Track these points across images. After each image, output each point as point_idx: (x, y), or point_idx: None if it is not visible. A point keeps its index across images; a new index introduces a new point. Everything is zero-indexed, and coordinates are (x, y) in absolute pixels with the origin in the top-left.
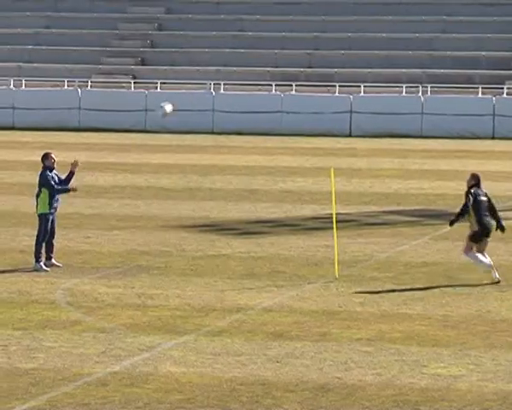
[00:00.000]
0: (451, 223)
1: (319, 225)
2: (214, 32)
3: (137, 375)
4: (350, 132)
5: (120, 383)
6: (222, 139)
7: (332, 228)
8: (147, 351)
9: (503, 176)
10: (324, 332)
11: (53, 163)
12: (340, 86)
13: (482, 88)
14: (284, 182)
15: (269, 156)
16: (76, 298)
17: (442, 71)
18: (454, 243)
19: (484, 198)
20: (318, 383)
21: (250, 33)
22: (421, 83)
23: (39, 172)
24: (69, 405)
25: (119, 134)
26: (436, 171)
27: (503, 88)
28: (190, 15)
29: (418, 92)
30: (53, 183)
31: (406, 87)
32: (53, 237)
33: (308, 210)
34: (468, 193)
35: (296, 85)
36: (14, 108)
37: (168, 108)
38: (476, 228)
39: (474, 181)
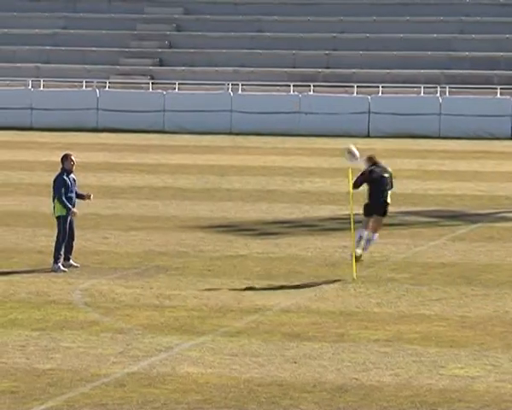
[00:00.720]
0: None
1: (337, 225)
2: (232, 33)
3: (155, 375)
4: (368, 133)
5: (138, 383)
6: (240, 140)
7: (350, 229)
8: (164, 351)
9: None
10: (342, 333)
11: (72, 166)
12: (358, 87)
13: (500, 89)
14: (302, 183)
15: (286, 157)
16: (94, 298)
17: (460, 71)
18: (471, 244)
19: (380, 173)
20: (336, 384)
21: (268, 34)
22: (439, 83)
23: (56, 175)
24: (87, 405)
25: (136, 135)
26: (454, 172)
27: None
28: (208, 16)
29: (436, 93)
30: (63, 190)
31: (424, 88)
32: (72, 239)
33: (326, 211)
34: (365, 170)
35: (314, 86)
36: (32, 108)
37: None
38: (369, 201)
39: (372, 161)
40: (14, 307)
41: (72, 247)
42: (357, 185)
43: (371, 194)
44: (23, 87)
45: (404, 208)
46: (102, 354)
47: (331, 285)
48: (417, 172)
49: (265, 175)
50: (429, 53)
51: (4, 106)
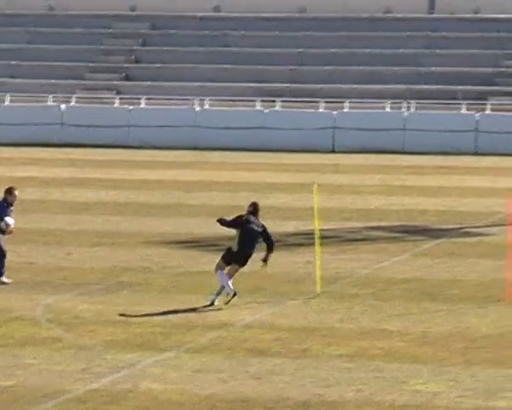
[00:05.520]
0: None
1: (301, 241)
2: (199, 48)
3: (117, 392)
4: (333, 148)
5: (100, 400)
6: (205, 155)
7: (314, 244)
8: (127, 368)
9: (485, 192)
10: (305, 349)
11: (14, 200)
12: (324, 102)
13: (466, 104)
14: (267, 198)
15: (252, 172)
16: (56, 315)
17: (426, 87)
18: (434, 260)
19: (254, 226)
20: (299, 400)
21: (234, 49)
22: (405, 99)
23: None
24: None
25: (101, 150)
26: (418, 187)
27: (486, 104)
28: (174, 31)
29: (402, 108)
30: None
31: (390, 103)
32: (4, 257)
33: (290, 226)
34: (240, 215)
35: (280, 101)
36: None
37: (9, 222)
38: (236, 249)
39: (251, 208)
40: None
41: (3, 264)
42: (223, 223)
43: (241, 243)
44: None
45: (368, 224)
46: (65, 370)
47: (294, 301)
48: (382, 188)
49: (231, 191)
50: (396, 68)
51: None
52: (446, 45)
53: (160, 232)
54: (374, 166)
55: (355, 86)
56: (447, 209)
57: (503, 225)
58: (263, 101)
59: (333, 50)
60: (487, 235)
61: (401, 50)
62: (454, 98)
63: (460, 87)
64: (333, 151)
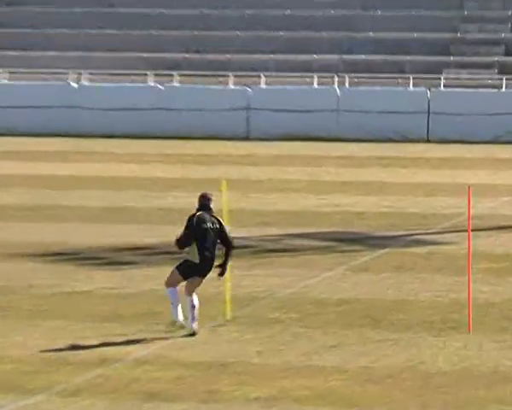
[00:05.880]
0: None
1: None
2: (76, 9)
3: None
4: (247, 134)
5: None
6: (84, 144)
7: (223, 256)
8: None
9: (440, 189)
10: (213, 390)
11: None
12: (234, 76)
13: (414, 78)
14: (163, 198)
15: (143, 165)
16: None
17: (363, 57)
18: (377, 275)
19: (210, 225)
20: None
21: (121, 10)
22: (337, 72)
23: None
24: None
25: None
26: (355, 183)
27: (439, 78)
28: None
29: (334, 83)
30: None
31: (319, 77)
32: None
33: None
34: (189, 218)
35: (179, 75)
36: None
37: None
38: (196, 259)
39: (203, 202)
40: None
41: None
42: (180, 245)
43: (201, 250)
44: None
45: (291, 230)
46: None
47: (199, 328)
48: (309, 184)
49: (116, 189)
50: (324, 34)
51: None
52: (388, 4)
53: (24, 242)
54: (299, 156)
55: (273, 56)
56: (392, 211)
57: (464, 230)
58: (157, 75)
59: (245, 11)
60: (444, 243)
61: (332, 11)
62: (399, 72)
63: (407, 57)
64: (247, 138)
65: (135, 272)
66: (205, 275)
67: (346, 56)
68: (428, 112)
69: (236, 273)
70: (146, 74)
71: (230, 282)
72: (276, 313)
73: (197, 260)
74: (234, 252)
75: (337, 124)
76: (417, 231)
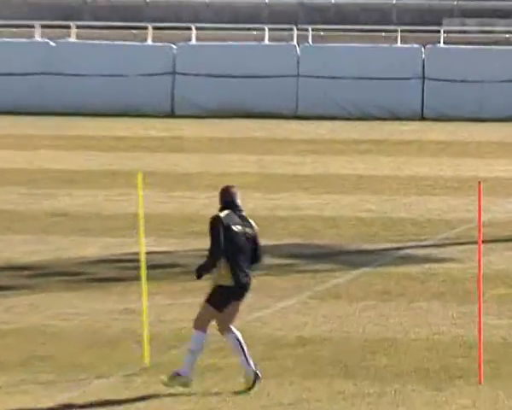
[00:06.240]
0: (199, 274)
1: (116, 273)
2: None
3: None
4: (172, 109)
5: None
6: None
7: (138, 278)
8: None
9: (438, 185)
10: None
11: None
12: (154, 29)
13: (403, 32)
14: (53, 197)
15: (26, 152)
16: None
17: (332, 0)
18: (354, 305)
19: (241, 229)
20: None
21: None
22: (296, 22)
23: None
24: None
25: None
26: (323, 177)
27: (438, 32)
28: None
29: (291, 38)
30: None
31: (271, 30)
32: None
33: (95, 247)
34: (213, 220)
35: (76, 27)
36: None
37: None
38: (229, 282)
39: (227, 198)
40: None
41: None
42: (217, 257)
43: (233, 264)
44: None
45: None
46: None
47: (105, 380)
48: (257, 179)
49: None
50: None
51: None
52: None
53: None
54: (243, 140)
55: (208, 1)
56: (374, 216)
57: (473, 242)
58: (47, 27)
59: None
60: (445, 260)
61: None
62: (383, 22)
63: (393, 1)
64: (172, 114)
65: (15, 300)
66: (241, 299)
67: (306, 1)
68: (423, 78)
69: (158, 302)
70: (32, 27)
71: (150, 314)
72: (214, 357)
73: (231, 282)
74: (154, 271)
75: (297, 95)
76: (408, 244)
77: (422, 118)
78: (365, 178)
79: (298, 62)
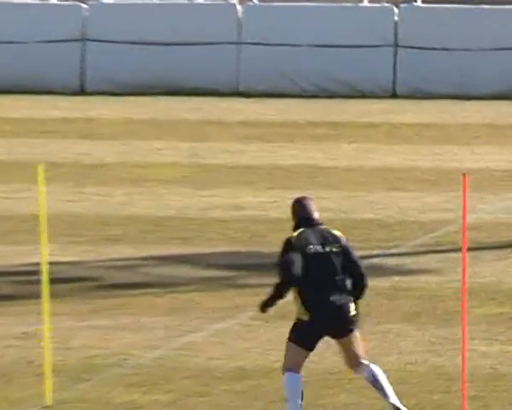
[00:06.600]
0: (264, 307)
1: (11, 289)
2: None
3: None
4: (81, 85)
5: None
6: None
7: (38, 296)
8: None
9: (412, 179)
10: None
11: None
12: None
13: None
14: None
15: None
16: None
17: None
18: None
19: (320, 248)
20: None
21: None
22: None
23: None
24: None
25: None
26: (269, 169)
27: None
28: None
29: None
30: None
31: None
32: None
33: None
34: (283, 245)
35: None
36: None
37: None
38: (304, 316)
39: (300, 213)
40: None
41: None
42: (290, 284)
43: (308, 294)
44: None
45: (156, 249)
46: None
47: None
48: (189, 171)
49: None
50: None
51: None
52: None
53: None
54: (173, 122)
55: None
56: (333, 217)
57: (455, 249)
58: None
59: None
60: (420, 272)
61: None
62: None
63: None
64: (82, 91)
65: None
66: (338, 333)
67: None
68: (395, 45)
69: (63, 324)
70: None
71: (52, 340)
72: (132, 393)
73: (306, 316)
74: (57, 286)
75: (237, 67)
76: (374, 252)
77: (394, 95)
78: (322, 171)
79: (239, 26)
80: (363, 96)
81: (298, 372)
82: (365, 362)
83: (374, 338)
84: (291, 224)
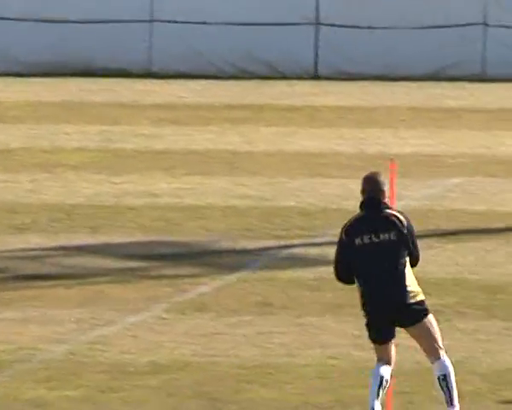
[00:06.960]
0: None
1: None
2: None
3: None
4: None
5: None
6: None
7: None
8: None
9: (335, 164)
10: None
11: None
12: None
13: None
14: None
15: None
16: None
17: None
18: (225, 319)
19: (372, 238)
20: None
21: None
22: None
23: None
24: None
25: None
26: (184, 154)
27: None
28: None
29: None
30: None
31: None
32: None
33: None
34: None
35: None
36: None
37: None
38: (364, 314)
39: (365, 192)
40: None
41: None
42: (342, 280)
43: (366, 289)
44: None
45: (64, 239)
46: None
47: None
48: (99, 156)
49: None
50: None
51: None
52: None
53: None
54: (81, 105)
55: None
56: (251, 205)
57: None
58: None
59: None
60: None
61: None
62: None
63: None
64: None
65: None
66: (400, 322)
67: None
68: (317, 23)
69: None
70: None
71: None
72: (41, 388)
73: (364, 314)
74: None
75: (150, 45)
76: (295, 241)
77: (316, 76)
78: (240, 156)
79: (151, 2)
80: (284, 77)
81: (384, 364)
82: (440, 356)
83: (294, 331)
84: (215, 211)
